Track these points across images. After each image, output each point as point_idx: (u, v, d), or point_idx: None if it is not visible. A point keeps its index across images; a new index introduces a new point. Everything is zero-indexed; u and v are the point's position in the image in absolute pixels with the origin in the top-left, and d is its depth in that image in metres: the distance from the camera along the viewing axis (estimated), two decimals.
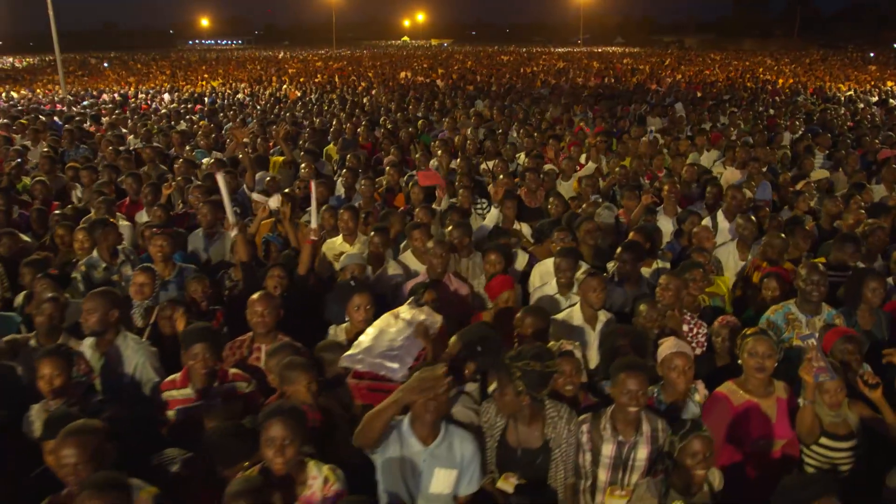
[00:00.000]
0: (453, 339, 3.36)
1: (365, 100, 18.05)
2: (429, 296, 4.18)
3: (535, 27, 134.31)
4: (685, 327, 4.14)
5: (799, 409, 3.22)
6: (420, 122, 12.30)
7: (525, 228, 6.33)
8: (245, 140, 7.84)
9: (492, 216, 6.14)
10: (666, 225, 6.21)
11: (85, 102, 18.67)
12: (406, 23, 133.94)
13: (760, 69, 34.42)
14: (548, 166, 8.60)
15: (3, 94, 22.60)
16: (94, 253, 5.25)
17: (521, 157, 9.37)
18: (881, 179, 8.02)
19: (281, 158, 8.91)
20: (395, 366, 3.10)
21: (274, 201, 5.62)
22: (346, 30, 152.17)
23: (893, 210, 6.12)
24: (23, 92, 23.48)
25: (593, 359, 4.03)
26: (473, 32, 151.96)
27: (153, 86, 26.04)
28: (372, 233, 5.35)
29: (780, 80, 27.47)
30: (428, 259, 4.83)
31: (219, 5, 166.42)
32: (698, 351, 4.06)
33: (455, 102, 16.36)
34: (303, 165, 8.08)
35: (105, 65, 43.05)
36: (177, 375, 3.66)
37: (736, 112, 13.43)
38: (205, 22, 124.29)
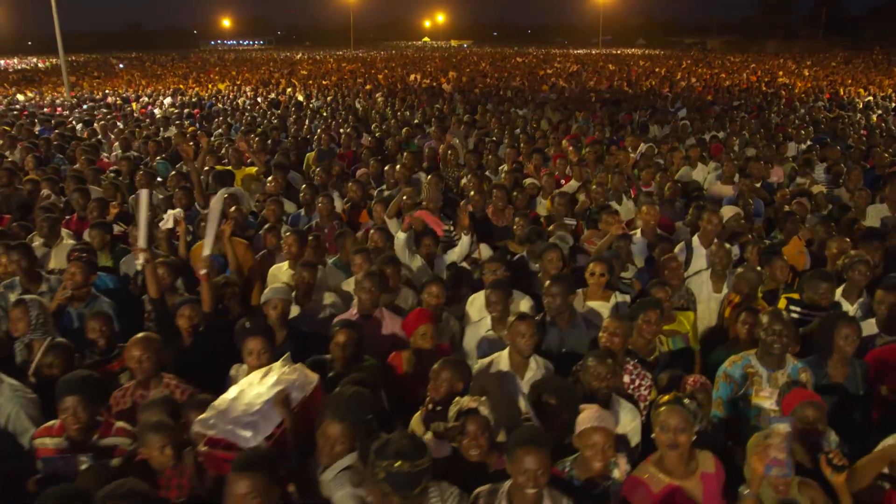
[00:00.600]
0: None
1: (359, 104, 17.68)
2: (341, 336, 3.78)
3: (556, 28, 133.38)
4: (626, 378, 3.68)
5: (739, 501, 2.74)
6: (405, 129, 11.86)
7: (485, 250, 5.90)
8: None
9: (462, 245, 5.69)
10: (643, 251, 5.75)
11: (85, 106, 18.53)
12: (427, 23, 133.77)
13: (780, 72, 33.51)
14: (529, 181, 8.15)
15: (7, 97, 22.65)
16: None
17: (504, 169, 8.93)
18: (885, 198, 7.45)
19: (253, 170, 8.58)
20: (248, 434, 2.70)
21: (169, 220, 5.25)
22: (367, 30, 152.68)
23: (891, 236, 5.57)
24: (28, 94, 23.45)
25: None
26: (495, 33, 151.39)
27: (160, 88, 25.95)
28: (299, 266, 4.89)
29: (799, 84, 26.65)
30: (356, 293, 4.43)
31: (242, 6, 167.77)
32: (641, 405, 3.59)
33: (453, 108, 15.92)
34: (269, 179, 7.72)
35: (120, 66, 43.08)
36: (56, 421, 3.31)
37: (738, 120, 12.81)
38: (226, 23, 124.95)
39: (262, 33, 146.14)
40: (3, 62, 64.84)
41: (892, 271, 5.07)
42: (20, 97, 22.07)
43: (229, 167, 8.62)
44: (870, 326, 4.27)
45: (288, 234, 5.26)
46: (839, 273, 4.76)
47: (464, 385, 3.38)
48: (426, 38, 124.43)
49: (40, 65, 61.69)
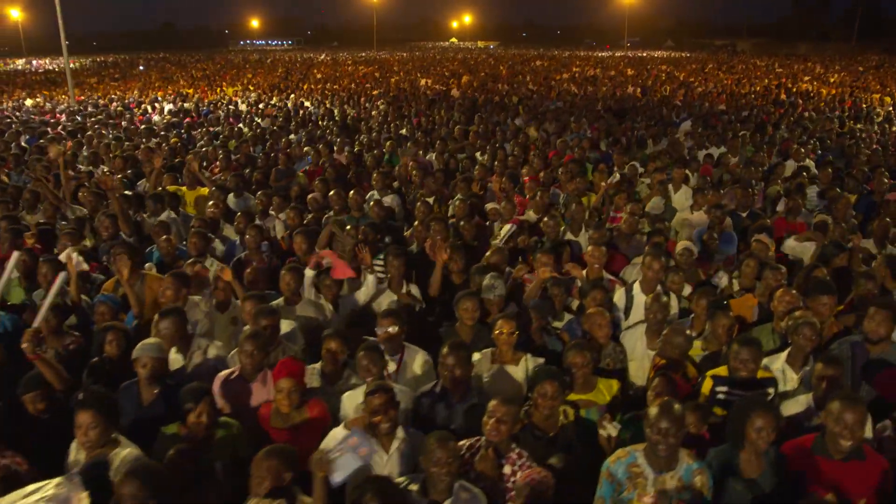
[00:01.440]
0: None
1: (350, 111, 17.28)
2: (192, 418, 3.39)
3: (585, 29, 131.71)
4: (507, 468, 3.20)
5: None
6: (388, 142, 11.44)
7: (414, 289, 5.45)
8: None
9: (367, 286, 5.27)
10: None
11: (79, 117, 18.42)
12: (454, 24, 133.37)
13: (806, 77, 32.33)
14: (491, 206, 7.66)
15: (11, 102, 22.78)
16: None
17: (458, 198, 8.43)
18: (873, 232, 6.82)
19: (204, 191, 8.24)
20: None
21: (63, 256, 4.91)
22: (395, 31, 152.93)
23: (861, 287, 4.95)
24: (38, 99, 23.56)
25: None
26: (524, 34, 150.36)
27: (166, 93, 25.92)
28: (157, 317, 4.37)
29: (822, 91, 25.61)
30: (238, 355, 4.03)
31: (273, 6, 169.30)
32: None
33: (446, 118, 15.43)
34: (210, 204, 7.36)
35: (140, 67, 43.45)
36: None
37: (739, 136, 12.10)
38: (255, 23, 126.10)
39: (292, 33, 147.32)
40: (36, 62, 66.15)
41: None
42: (28, 102, 22.15)
43: (182, 187, 8.32)
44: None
45: (167, 277, 4.87)
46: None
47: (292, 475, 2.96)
48: (454, 39, 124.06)
49: (71, 65, 62.91)
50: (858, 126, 15.22)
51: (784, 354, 4.12)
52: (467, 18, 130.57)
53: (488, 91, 24.27)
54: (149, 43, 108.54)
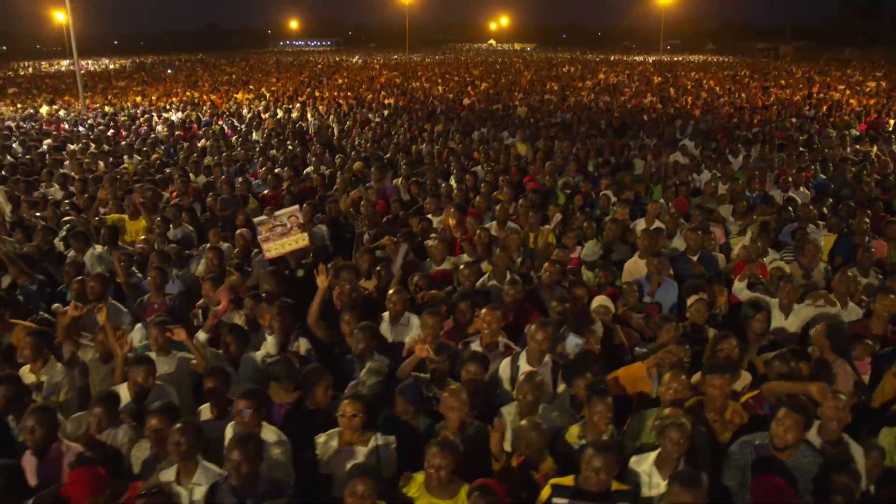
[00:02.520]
0: None
1: (334, 125, 16.96)
2: None
3: (627, 31, 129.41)
4: None
5: None
6: (357, 164, 11.10)
7: (304, 345, 5.11)
8: None
9: (267, 345, 4.95)
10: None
11: (82, 127, 18.58)
12: (492, 26, 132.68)
13: (841, 86, 30.90)
14: (429, 243, 7.27)
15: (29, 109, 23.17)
16: None
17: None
18: (836, 283, 6.21)
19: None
20: None
21: None
22: (435, 31, 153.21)
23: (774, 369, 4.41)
24: (55, 107, 23.89)
25: None
26: (564, 35, 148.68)
27: (187, 98, 26.15)
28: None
29: (853, 102, 24.39)
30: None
31: (315, 6, 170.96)
32: None
33: (436, 134, 15.05)
34: (140, 239, 7.13)
35: (168, 71, 44.15)
36: None
37: (728, 162, 11.43)
38: (294, 24, 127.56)
39: (333, 33, 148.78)
40: (81, 63, 67.97)
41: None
42: (44, 110, 22.46)
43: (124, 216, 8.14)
44: None
45: (25, 335, 4.62)
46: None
47: None
48: (492, 41, 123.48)
49: (111, 66, 64.33)
50: (873, 148, 14.30)
51: (654, 455, 3.64)
52: (504, 20, 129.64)
53: (502, 101, 23.79)
54: (193, 43, 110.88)
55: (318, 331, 5.16)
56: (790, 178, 9.91)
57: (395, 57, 67.07)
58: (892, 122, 19.63)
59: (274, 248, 6.33)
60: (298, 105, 21.63)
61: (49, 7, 66.79)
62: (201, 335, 4.98)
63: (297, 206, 6.59)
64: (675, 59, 61.10)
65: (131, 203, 8.15)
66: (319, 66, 47.82)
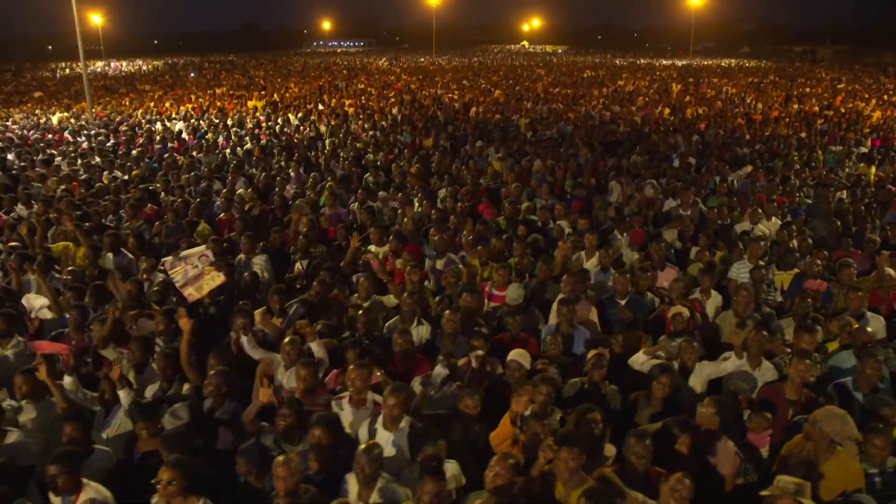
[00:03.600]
0: None
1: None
2: None
3: (663, 32, 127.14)
4: None
5: None
6: (331, 184, 11.02)
7: (182, 412, 5.01)
8: None
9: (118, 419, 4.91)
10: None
11: (83, 137, 18.83)
12: (525, 27, 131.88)
13: (866, 95, 29.83)
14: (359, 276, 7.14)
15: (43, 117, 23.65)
16: None
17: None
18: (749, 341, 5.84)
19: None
20: None
21: None
22: (468, 33, 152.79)
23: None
24: (66, 114, 24.33)
25: None
26: (599, 37, 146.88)
27: (198, 104, 26.46)
28: None
29: (876, 115, 23.49)
30: None
31: (353, 5, 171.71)
32: None
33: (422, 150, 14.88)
34: (68, 269, 7.13)
35: (192, 75, 44.85)
36: None
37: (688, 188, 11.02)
38: (326, 24, 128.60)
39: (367, 34, 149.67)
40: (114, 64, 69.56)
41: None
42: (55, 118, 22.84)
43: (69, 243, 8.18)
44: None
45: None
46: None
47: None
48: (525, 43, 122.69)
49: (144, 67, 65.65)
50: (871, 169, 13.71)
51: None
52: (536, 22, 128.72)
53: (508, 110, 23.51)
54: (229, 43, 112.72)
55: (189, 374, 5.10)
56: (759, 209, 9.47)
57: (422, 59, 67.12)
58: None
59: (194, 291, 6.30)
60: (300, 115, 21.63)
61: (86, 9, 69.07)
62: (67, 380, 4.95)
63: (203, 247, 6.54)
64: (706, 62, 59.88)
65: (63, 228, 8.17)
66: (344, 71, 47.89)
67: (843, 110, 24.97)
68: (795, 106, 26.45)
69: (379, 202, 10.03)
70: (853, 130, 19.40)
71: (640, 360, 5.39)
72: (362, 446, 3.98)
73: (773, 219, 9.64)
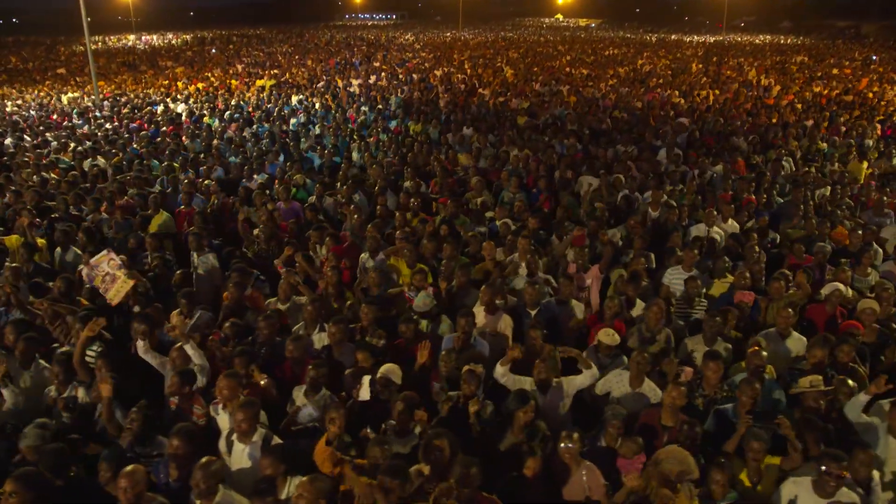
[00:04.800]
0: None
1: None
2: None
3: (704, 4, 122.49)
4: None
5: None
6: (298, 176, 11.08)
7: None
8: None
9: None
10: None
11: (97, 113, 19.23)
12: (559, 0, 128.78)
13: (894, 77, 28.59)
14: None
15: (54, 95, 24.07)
16: None
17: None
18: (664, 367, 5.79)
19: (41, 243, 8.31)
20: None
21: None
22: (503, 4, 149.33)
23: None
24: (77, 93, 24.74)
25: None
26: (637, 10, 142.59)
27: (206, 83, 26.66)
28: None
29: None
30: None
31: None
32: None
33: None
34: (9, 266, 7.34)
35: (213, 51, 45.11)
36: None
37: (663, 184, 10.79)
38: None
39: (401, 6, 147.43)
40: (145, 38, 70.27)
41: None
42: (65, 98, 23.25)
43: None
44: None
45: None
46: None
47: None
48: (559, 15, 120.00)
49: (174, 41, 66.14)
50: (863, 165, 13.22)
51: None
52: None
53: (516, 92, 23.15)
54: (265, 14, 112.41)
55: (79, 372, 5.30)
56: (714, 211, 9.24)
57: (448, 34, 66.29)
58: None
59: (114, 295, 6.48)
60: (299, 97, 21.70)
61: None
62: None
63: (105, 251, 6.66)
64: (738, 39, 57.97)
65: (20, 225, 8.41)
66: (363, 47, 47.65)
67: (870, 95, 24.01)
68: (818, 89, 25.52)
69: (330, 199, 10.05)
70: (866, 118, 18.71)
71: (499, 373, 5.40)
72: (201, 461, 4.12)
73: (731, 221, 9.42)
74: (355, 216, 8.60)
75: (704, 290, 7.45)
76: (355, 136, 14.98)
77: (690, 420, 4.78)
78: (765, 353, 5.58)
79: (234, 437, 4.62)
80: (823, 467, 4.13)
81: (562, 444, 4.48)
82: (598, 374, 5.43)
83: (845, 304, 7.09)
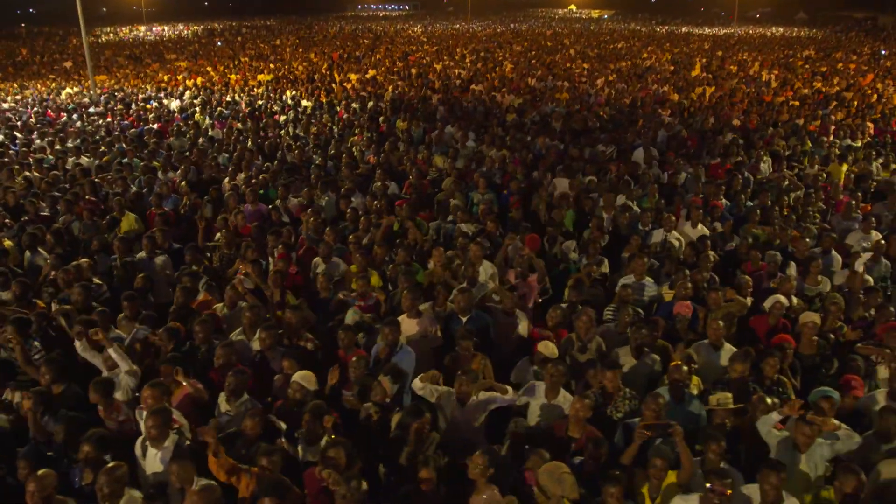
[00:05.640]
0: None
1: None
2: None
3: None
4: None
5: None
6: (264, 175, 11.22)
7: None
8: None
9: None
10: None
11: (91, 109, 19.44)
12: None
13: None
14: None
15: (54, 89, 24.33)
16: None
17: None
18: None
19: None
20: None
21: None
22: None
23: None
24: (76, 89, 24.88)
25: None
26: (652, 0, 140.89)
27: (213, 74, 26.79)
28: None
29: None
30: None
31: None
32: None
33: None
34: None
35: (218, 43, 45.27)
36: None
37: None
38: None
39: None
40: (155, 29, 70.50)
41: None
42: (64, 94, 23.32)
43: None
44: None
45: None
46: None
47: None
48: (572, 6, 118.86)
49: (185, 32, 66.31)
50: (842, 167, 13.12)
51: None
52: None
53: (512, 88, 23.11)
54: (279, 4, 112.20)
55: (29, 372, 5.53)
56: (672, 216, 9.22)
57: (457, 26, 65.98)
58: None
59: None
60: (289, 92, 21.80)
61: None
62: None
63: None
64: (750, 31, 57.26)
65: None
66: (365, 41, 47.57)
67: (870, 91, 23.69)
68: (818, 85, 25.25)
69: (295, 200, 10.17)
70: (861, 117, 18.52)
71: (417, 386, 5.51)
72: (106, 466, 4.30)
73: (700, 226, 9.40)
74: (311, 219, 8.71)
75: (653, 297, 7.52)
76: (335, 135, 15.07)
77: (596, 439, 4.85)
78: (689, 368, 5.63)
79: (148, 442, 4.79)
80: (708, 485, 4.21)
81: (470, 462, 4.55)
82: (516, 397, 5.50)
83: (790, 315, 7.12)
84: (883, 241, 8.70)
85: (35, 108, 19.90)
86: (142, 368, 5.78)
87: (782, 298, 6.96)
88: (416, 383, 5.44)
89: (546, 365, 5.55)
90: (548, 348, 5.98)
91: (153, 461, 4.75)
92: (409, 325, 6.44)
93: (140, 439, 4.89)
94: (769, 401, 5.28)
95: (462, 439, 5.22)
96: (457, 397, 5.43)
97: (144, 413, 4.90)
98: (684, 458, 4.52)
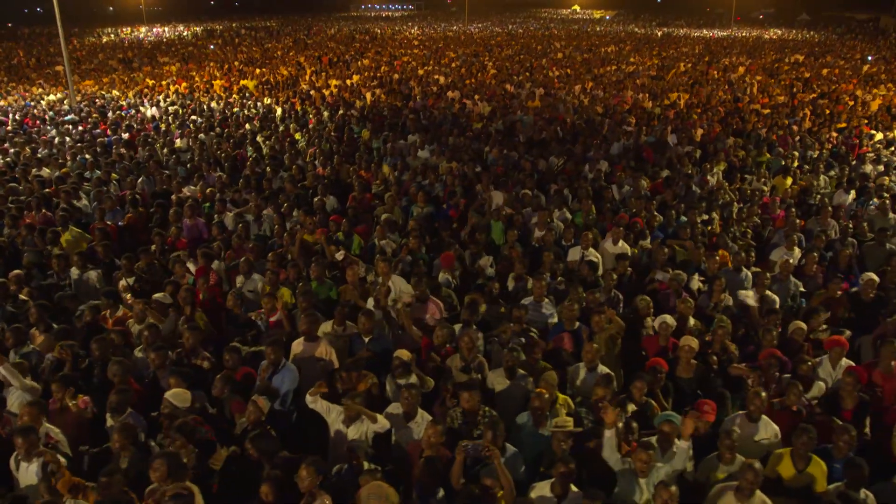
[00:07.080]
0: None
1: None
2: None
3: None
4: None
5: None
6: (208, 189, 11.52)
7: None
8: None
9: None
10: None
11: (68, 117, 19.70)
12: None
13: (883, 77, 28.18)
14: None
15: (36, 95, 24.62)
16: None
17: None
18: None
19: None
20: None
21: None
22: None
23: None
24: (59, 95, 25.13)
25: None
26: (658, 0, 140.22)
27: (197, 79, 27.03)
28: None
29: (875, 104, 22.27)
30: None
31: None
32: None
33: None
34: None
35: (210, 47, 45.58)
36: None
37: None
38: None
39: None
40: (156, 30, 70.72)
41: None
42: (44, 101, 23.45)
43: None
44: None
45: None
46: None
47: None
48: (576, 6, 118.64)
49: (185, 33, 66.54)
50: (789, 181, 13.25)
51: None
52: None
53: (490, 95, 23.26)
54: (285, 4, 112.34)
55: None
56: (589, 234, 9.34)
57: (455, 28, 66.12)
58: (878, 134, 17.93)
59: None
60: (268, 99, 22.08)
61: None
62: None
63: None
64: (745, 34, 57.19)
65: None
66: (356, 44, 47.77)
67: (846, 98, 23.75)
68: (797, 91, 25.31)
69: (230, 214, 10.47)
70: (827, 125, 18.64)
71: (309, 400, 5.80)
72: None
73: (621, 243, 9.51)
74: (238, 235, 9.03)
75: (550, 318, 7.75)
76: (287, 146, 15.22)
77: (428, 458, 5.08)
78: (550, 395, 5.85)
79: (21, 457, 5.13)
80: None
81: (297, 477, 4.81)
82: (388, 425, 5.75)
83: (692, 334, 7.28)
84: (791, 262, 8.83)
85: (15, 116, 20.12)
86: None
87: (668, 319, 7.17)
88: (308, 398, 5.74)
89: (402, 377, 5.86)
90: (404, 354, 6.20)
91: (26, 474, 5.10)
92: (305, 348, 6.68)
93: (14, 454, 5.22)
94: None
95: (343, 455, 5.47)
96: (345, 418, 5.69)
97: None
98: (502, 479, 4.78)
